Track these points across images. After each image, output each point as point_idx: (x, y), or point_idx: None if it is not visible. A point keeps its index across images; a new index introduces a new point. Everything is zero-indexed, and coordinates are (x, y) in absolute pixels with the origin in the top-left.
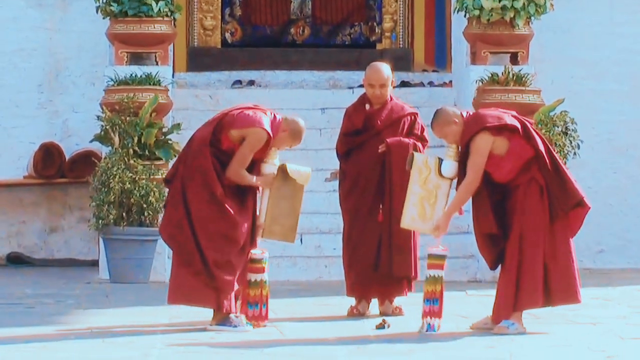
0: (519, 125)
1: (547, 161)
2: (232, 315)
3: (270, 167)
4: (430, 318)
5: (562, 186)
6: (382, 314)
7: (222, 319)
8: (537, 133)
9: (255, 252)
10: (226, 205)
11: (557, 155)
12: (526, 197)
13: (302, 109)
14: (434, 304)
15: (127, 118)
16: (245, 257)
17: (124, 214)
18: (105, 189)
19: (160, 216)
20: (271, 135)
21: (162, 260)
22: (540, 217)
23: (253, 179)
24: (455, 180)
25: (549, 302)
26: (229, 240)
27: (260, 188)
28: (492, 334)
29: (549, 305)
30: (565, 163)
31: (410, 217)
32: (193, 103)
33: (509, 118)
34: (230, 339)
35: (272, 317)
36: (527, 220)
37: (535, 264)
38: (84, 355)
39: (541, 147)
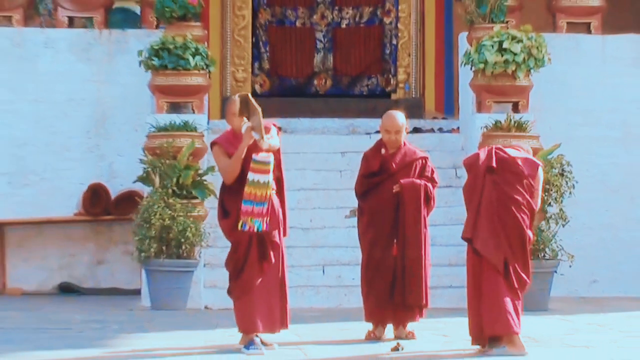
0: (472, 162)
1: (474, 200)
2: (253, 338)
3: (244, 127)
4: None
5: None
6: (396, 337)
7: (243, 340)
8: (487, 174)
9: (262, 155)
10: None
11: (495, 196)
12: None
13: (323, 153)
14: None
15: (167, 161)
16: (246, 277)
17: (163, 247)
18: (147, 225)
19: (197, 249)
20: (217, 143)
21: (198, 289)
22: (471, 254)
23: (237, 154)
24: None
25: (484, 329)
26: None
27: (249, 141)
28: (489, 356)
29: (486, 333)
30: (561, 201)
31: None
32: None
33: (479, 155)
34: None
35: (297, 340)
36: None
37: (470, 292)
38: None
39: (464, 185)
